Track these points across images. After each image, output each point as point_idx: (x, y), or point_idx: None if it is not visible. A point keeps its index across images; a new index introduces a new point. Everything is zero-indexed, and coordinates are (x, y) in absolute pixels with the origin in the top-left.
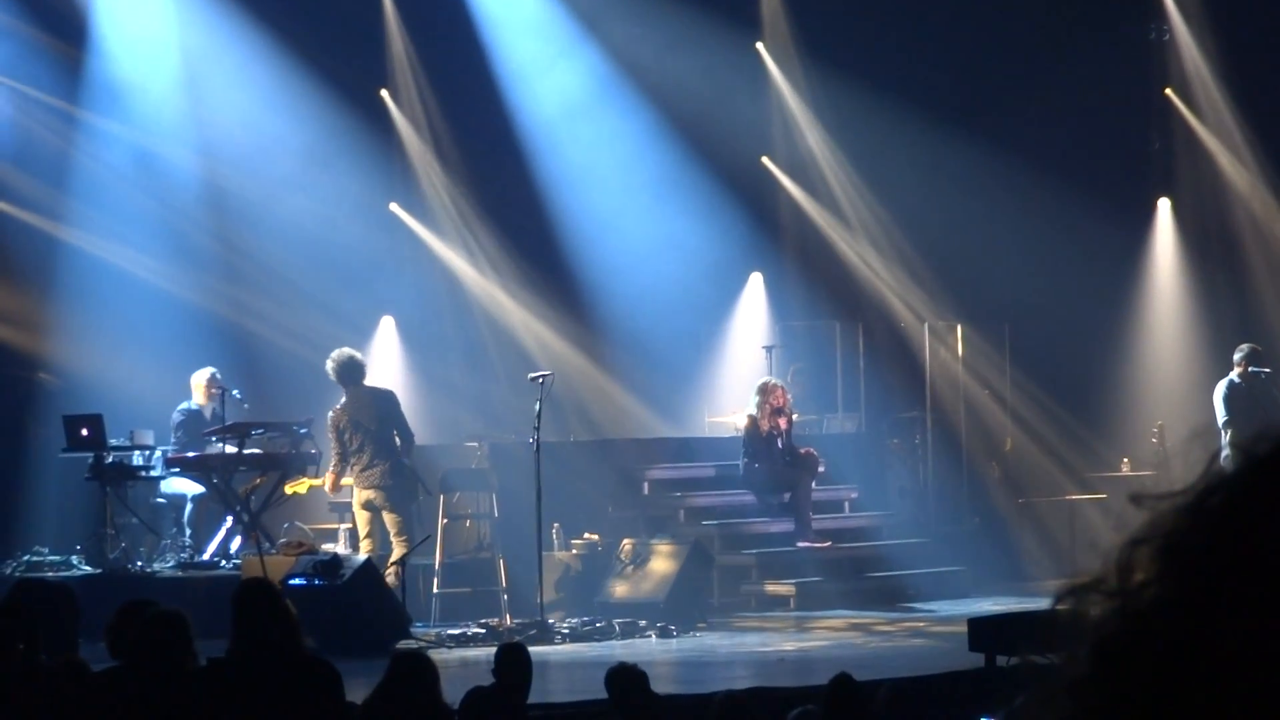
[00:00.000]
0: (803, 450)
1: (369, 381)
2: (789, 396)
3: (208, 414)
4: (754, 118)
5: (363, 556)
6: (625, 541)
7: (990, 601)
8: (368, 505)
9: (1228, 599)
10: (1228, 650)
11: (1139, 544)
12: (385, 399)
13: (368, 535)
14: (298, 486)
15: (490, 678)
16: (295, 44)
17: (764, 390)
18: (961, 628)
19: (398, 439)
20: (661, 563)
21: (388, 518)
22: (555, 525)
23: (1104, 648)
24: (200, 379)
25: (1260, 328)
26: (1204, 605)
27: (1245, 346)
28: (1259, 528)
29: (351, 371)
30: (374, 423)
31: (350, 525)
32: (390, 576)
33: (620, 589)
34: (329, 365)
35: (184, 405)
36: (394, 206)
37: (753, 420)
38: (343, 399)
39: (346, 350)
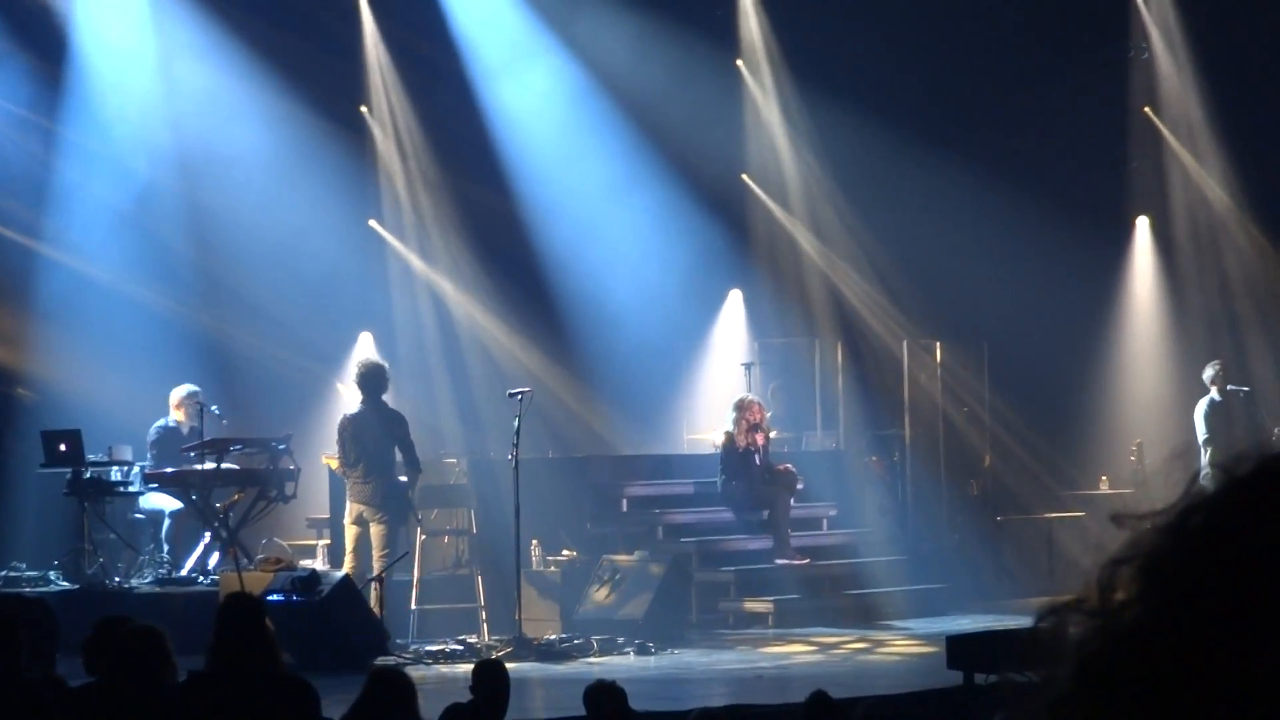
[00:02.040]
0: (780, 467)
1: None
2: (766, 412)
3: (185, 431)
4: (733, 135)
5: (341, 573)
6: (604, 558)
7: (968, 619)
8: (358, 520)
9: (1209, 619)
10: (1209, 671)
11: (1120, 563)
12: (393, 421)
13: (353, 551)
14: (331, 460)
15: (468, 694)
16: (274, 60)
17: (741, 406)
18: (940, 645)
19: (399, 459)
20: (640, 580)
21: (373, 531)
22: (534, 541)
23: (1085, 667)
24: (177, 396)
25: (1238, 346)
26: (1185, 625)
27: (1215, 364)
28: (1240, 548)
29: (371, 382)
30: (375, 442)
31: (328, 542)
32: (372, 593)
33: (598, 606)
34: (354, 370)
35: (160, 423)
36: (372, 223)
37: (730, 437)
38: (355, 409)
39: (373, 359)
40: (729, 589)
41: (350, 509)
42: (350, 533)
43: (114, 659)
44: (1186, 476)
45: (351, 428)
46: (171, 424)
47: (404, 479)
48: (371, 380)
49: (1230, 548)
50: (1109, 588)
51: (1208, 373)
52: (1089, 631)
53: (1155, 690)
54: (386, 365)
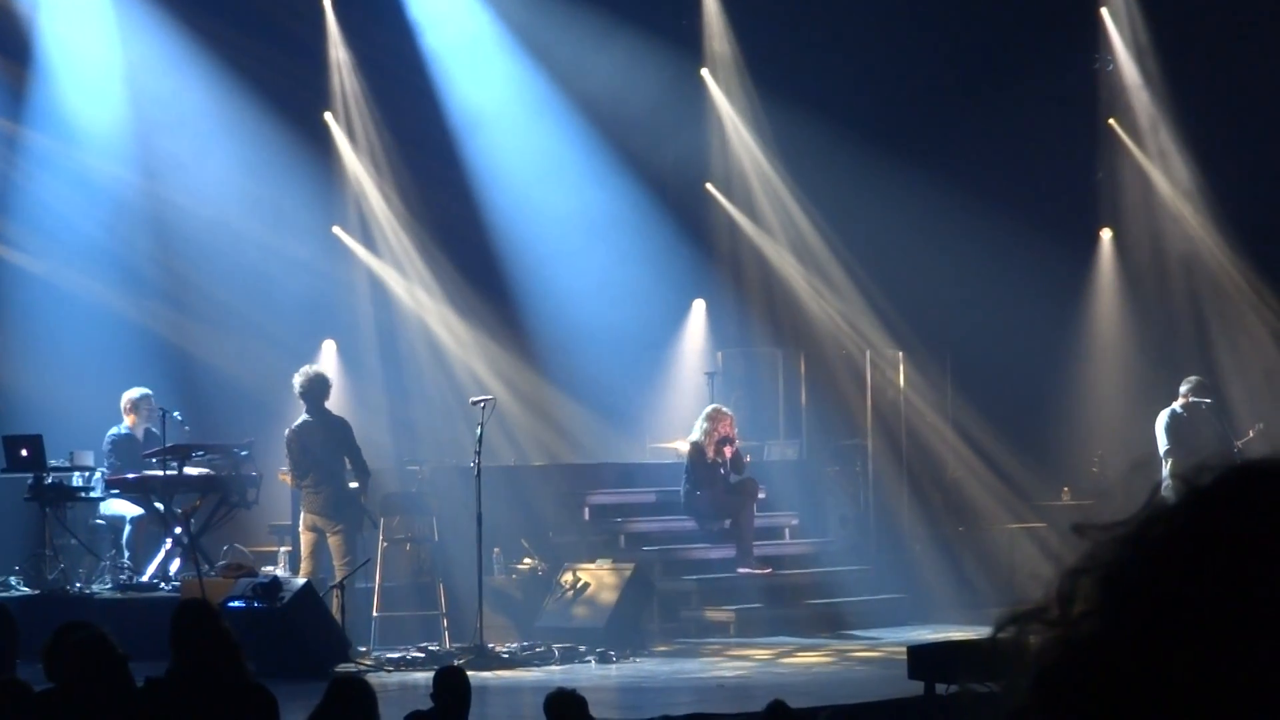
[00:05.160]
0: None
1: (329, 405)
2: (735, 426)
3: (140, 435)
4: (698, 145)
5: (302, 580)
6: (566, 566)
7: (930, 629)
8: (313, 528)
9: (1168, 630)
10: (1167, 682)
11: (1081, 574)
12: (339, 427)
13: (309, 557)
14: (286, 476)
15: (429, 702)
16: (239, 67)
17: (712, 418)
18: (901, 655)
19: (349, 466)
20: (602, 588)
21: (331, 542)
22: (496, 550)
23: (1045, 678)
24: (128, 400)
25: (1201, 358)
26: (1144, 636)
27: (1193, 379)
28: (1200, 560)
29: (314, 390)
30: (323, 449)
31: (290, 548)
32: (333, 601)
33: (560, 614)
34: (296, 380)
35: (113, 431)
36: (337, 230)
37: (697, 447)
38: (300, 419)
39: (315, 369)
40: (691, 598)
41: (304, 517)
42: (305, 539)
43: (65, 668)
44: (1148, 487)
45: (299, 439)
46: (125, 431)
47: (355, 485)
48: (313, 390)
49: (1190, 560)
50: (1069, 598)
51: (1184, 386)
52: (1048, 642)
53: (1113, 702)
54: (325, 374)
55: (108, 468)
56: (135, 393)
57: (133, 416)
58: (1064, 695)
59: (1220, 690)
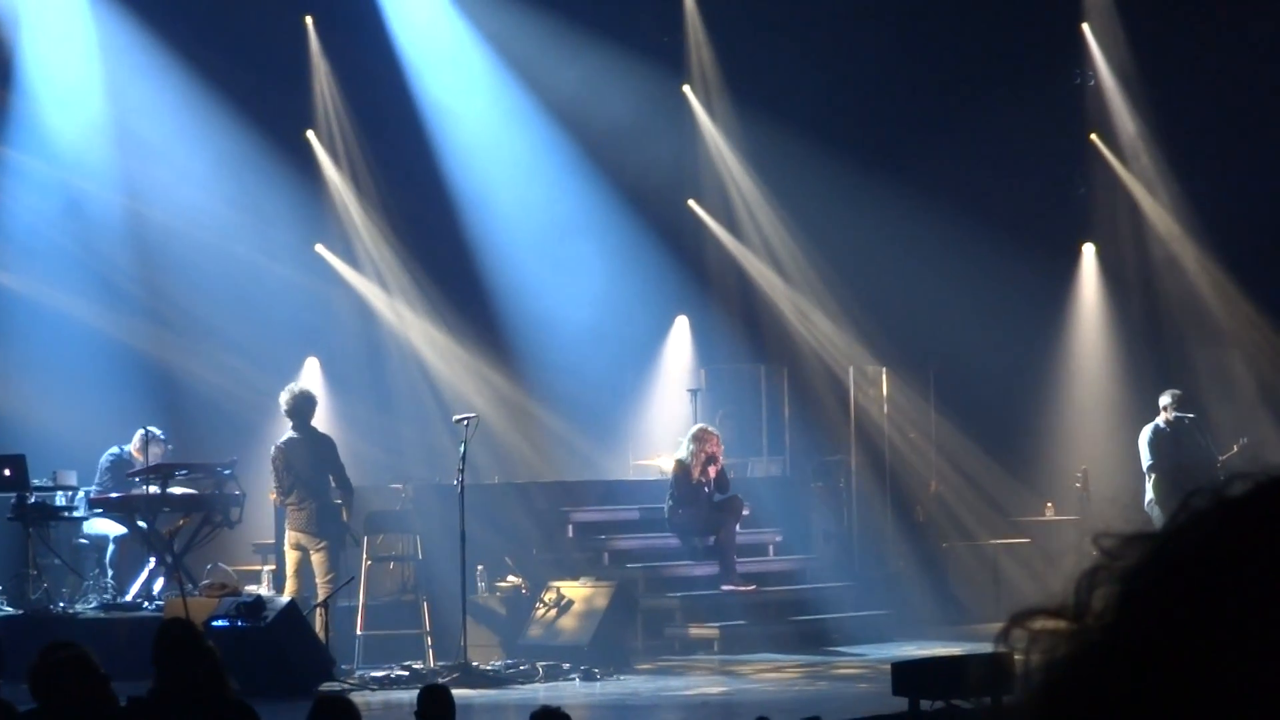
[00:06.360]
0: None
1: (314, 423)
2: (722, 445)
3: (136, 466)
4: (681, 161)
5: (286, 598)
6: (549, 584)
7: (914, 645)
8: (297, 545)
9: (1194, 642)
10: (1190, 695)
11: (1101, 580)
12: (324, 445)
13: (293, 575)
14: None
15: None
16: (221, 86)
17: (699, 438)
18: (886, 671)
19: (333, 484)
20: (586, 606)
21: (314, 559)
22: (479, 567)
23: (1057, 685)
24: (139, 436)
25: (1183, 372)
26: (1169, 646)
27: (1171, 392)
28: (1234, 571)
29: (301, 408)
30: (307, 467)
31: (273, 567)
32: (317, 619)
33: (544, 632)
34: (283, 397)
35: (114, 450)
36: (319, 248)
37: (683, 466)
38: (285, 436)
39: (302, 386)
40: (675, 615)
41: (288, 535)
42: (290, 557)
43: (50, 688)
44: (1181, 500)
45: (284, 456)
46: (125, 455)
47: (339, 502)
48: (300, 407)
49: (1225, 570)
50: (1086, 605)
51: (1164, 399)
52: (1061, 648)
53: (1129, 710)
54: (311, 392)
55: (99, 485)
56: (150, 430)
57: (139, 452)
58: (1074, 708)
59: (1246, 704)
